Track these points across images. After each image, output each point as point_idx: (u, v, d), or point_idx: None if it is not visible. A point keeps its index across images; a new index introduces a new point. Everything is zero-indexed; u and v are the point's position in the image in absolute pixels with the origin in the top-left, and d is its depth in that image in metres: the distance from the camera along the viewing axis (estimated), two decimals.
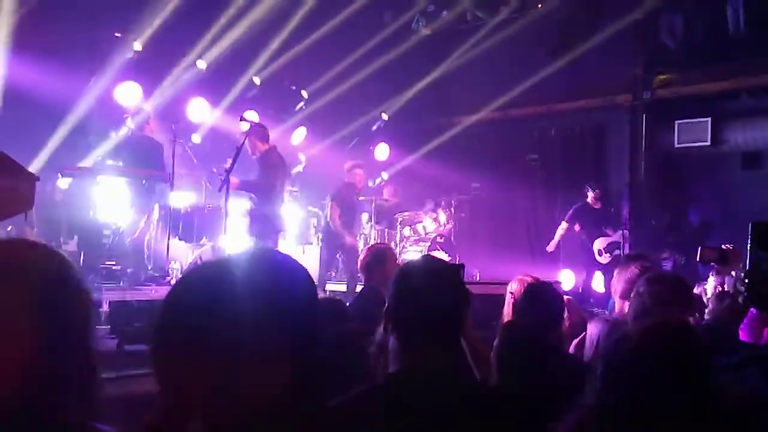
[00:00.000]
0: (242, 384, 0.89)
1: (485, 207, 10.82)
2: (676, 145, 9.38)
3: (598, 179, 10.01)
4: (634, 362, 1.39)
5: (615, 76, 9.78)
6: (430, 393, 1.51)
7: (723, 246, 2.90)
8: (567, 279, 8.95)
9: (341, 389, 1.48)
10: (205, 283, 0.94)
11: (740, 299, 1.44)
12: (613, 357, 1.44)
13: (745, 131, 9.00)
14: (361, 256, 4.37)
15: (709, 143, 9.07)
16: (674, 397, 1.36)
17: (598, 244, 9.03)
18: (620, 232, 9.02)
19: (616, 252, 8.92)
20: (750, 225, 1.40)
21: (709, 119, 9.08)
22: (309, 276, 1.01)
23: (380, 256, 4.19)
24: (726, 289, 3.09)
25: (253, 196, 6.58)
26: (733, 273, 2.96)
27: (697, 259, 3.15)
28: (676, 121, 9.37)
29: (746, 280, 1.37)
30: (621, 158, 10.00)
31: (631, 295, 3.07)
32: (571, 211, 9.14)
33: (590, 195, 9.12)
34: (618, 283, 3.54)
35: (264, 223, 6.38)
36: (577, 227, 9.10)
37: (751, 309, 2.82)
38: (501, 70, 10.30)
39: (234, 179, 5.75)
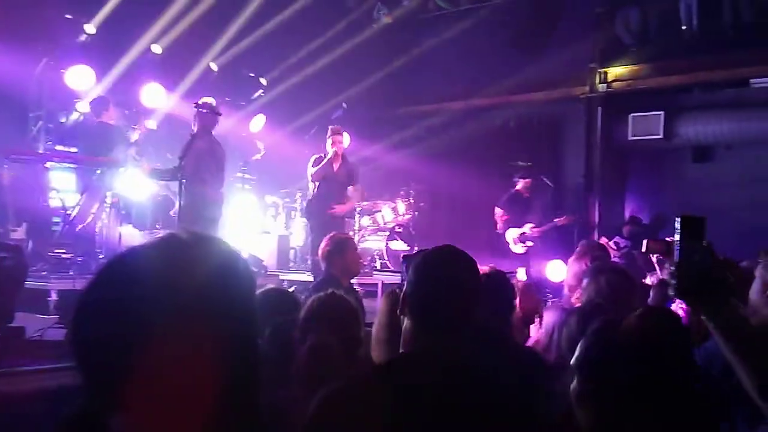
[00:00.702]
0: (168, 375, 0.86)
1: (445, 197, 10.88)
2: (630, 138, 9.57)
3: (555, 170, 10.15)
4: (627, 351, 1.41)
5: (572, 69, 9.91)
6: (440, 374, 1.58)
7: (668, 239, 3.01)
8: (557, 270, 8.33)
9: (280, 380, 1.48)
10: (134, 266, 0.90)
11: (669, 291, 1.46)
12: (603, 347, 1.46)
13: (697, 125, 9.22)
14: (322, 246, 4.39)
15: (661, 136, 9.27)
16: (668, 381, 1.41)
17: (512, 234, 8.99)
18: (532, 225, 8.88)
19: (529, 244, 8.90)
20: (677, 218, 1.42)
21: (662, 113, 9.28)
22: (247, 264, 0.99)
23: (341, 245, 4.25)
24: (666, 278, 3.18)
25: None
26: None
27: (643, 251, 3.25)
28: (630, 114, 9.56)
29: (677, 274, 1.39)
30: (577, 150, 10.16)
31: (582, 285, 3.13)
32: (504, 197, 9.18)
33: (521, 183, 9.13)
34: (571, 272, 3.63)
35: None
36: (501, 213, 9.03)
37: None
38: (462, 60, 10.34)
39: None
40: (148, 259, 0.90)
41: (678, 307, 2.93)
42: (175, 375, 0.86)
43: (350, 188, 7.70)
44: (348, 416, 1.51)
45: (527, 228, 8.95)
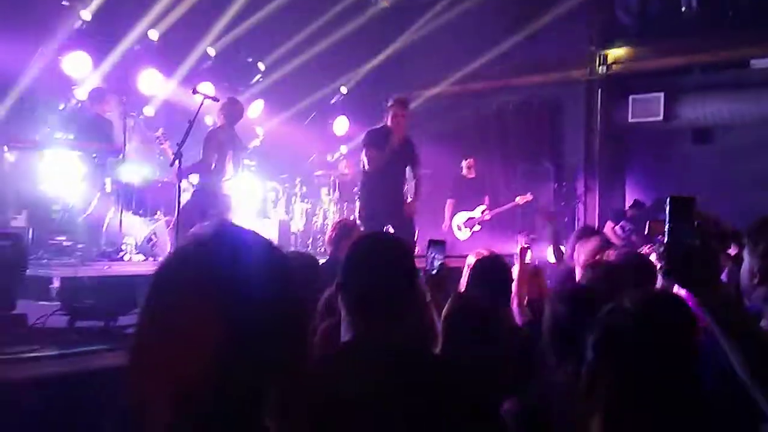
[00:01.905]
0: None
1: (444, 181, 10.85)
2: (630, 120, 9.54)
3: (554, 153, 10.13)
4: (636, 333, 1.42)
5: (571, 51, 9.86)
6: (378, 362, 1.59)
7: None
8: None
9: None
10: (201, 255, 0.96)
11: (660, 273, 1.47)
12: (610, 328, 1.46)
13: (696, 107, 9.19)
14: (329, 231, 4.56)
15: (661, 118, 9.24)
16: (674, 366, 1.42)
17: (459, 219, 8.76)
18: (484, 207, 8.66)
19: (476, 229, 8.60)
20: (668, 199, 1.43)
21: (662, 94, 9.24)
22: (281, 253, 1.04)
23: (347, 230, 4.33)
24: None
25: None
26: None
27: (646, 233, 3.29)
28: (630, 96, 9.52)
29: (665, 254, 1.39)
30: (577, 132, 10.14)
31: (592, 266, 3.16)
32: (451, 185, 9.00)
33: (463, 165, 9.02)
34: (580, 254, 3.71)
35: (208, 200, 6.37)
36: (448, 204, 8.80)
37: None
38: (460, 43, 10.28)
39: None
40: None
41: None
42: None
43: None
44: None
45: (478, 212, 8.74)
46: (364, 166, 6.05)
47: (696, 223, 1.41)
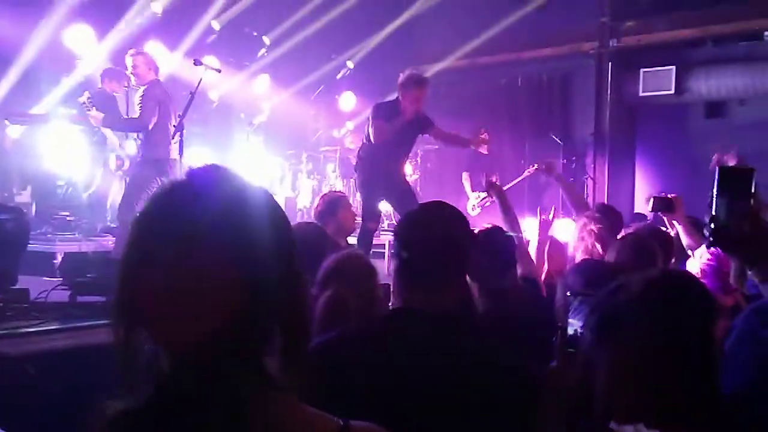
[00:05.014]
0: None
1: (452, 157, 10.76)
2: (641, 94, 9.39)
3: (564, 127, 9.99)
4: (638, 314, 1.25)
5: (581, 24, 9.69)
6: (427, 331, 1.61)
7: (669, 195, 3.06)
8: (566, 228, 8.05)
9: None
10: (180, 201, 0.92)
11: (705, 243, 1.41)
12: (612, 309, 1.30)
13: (709, 80, 9.03)
14: (315, 204, 4.42)
15: (673, 92, 9.09)
16: (681, 348, 1.23)
17: (473, 199, 8.64)
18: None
19: (487, 205, 8.59)
20: (717, 169, 1.37)
21: (674, 68, 9.08)
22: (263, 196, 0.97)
23: (334, 203, 4.24)
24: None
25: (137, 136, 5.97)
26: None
27: (650, 209, 3.26)
28: (641, 69, 9.36)
29: (712, 224, 1.34)
30: (587, 106, 9.99)
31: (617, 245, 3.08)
32: (466, 159, 8.96)
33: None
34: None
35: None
36: (465, 175, 8.81)
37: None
38: (468, 17, 10.11)
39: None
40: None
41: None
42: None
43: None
44: (331, 367, 1.52)
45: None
46: (368, 137, 5.88)
47: (750, 197, 1.35)
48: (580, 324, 1.54)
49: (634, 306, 1.26)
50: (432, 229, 1.71)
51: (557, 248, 3.44)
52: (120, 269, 0.92)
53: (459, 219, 1.78)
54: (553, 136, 9.45)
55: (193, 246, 0.87)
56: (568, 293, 1.73)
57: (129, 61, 5.73)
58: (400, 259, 1.70)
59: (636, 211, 8.92)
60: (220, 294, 0.87)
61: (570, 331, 1.59)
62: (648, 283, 1.29)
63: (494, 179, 4.34)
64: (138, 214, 0.94)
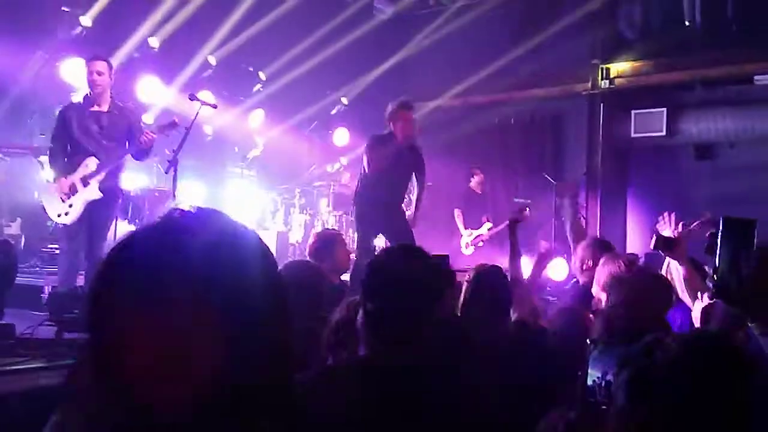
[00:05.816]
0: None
1: (443, 194, 10.77)
2: (632, 135, 9.48)
3: (556, 167, 10.05)
4: (677, 376, 1.22)
5: (574, 65, 9.82)
6: (396, 380, 1.53)
7: (673, 233, 2.99)
8: (559, 268, 7.73)
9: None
10: (154, 240, 0.90)
11: (708, 294, 1.38)
12: (647, 368, 1.26)
13: (700, 122, 9.13)
14: (310, 242, 4.36)
15: (664, 133, 9.18)
16: (710, 416, 1.20)
17: (466, 237, 8.79)
18: (490, 225, 8.62)
19: (480, 245, 8.57)
20: (721, 219, 1.35)
21: (665, 110, 9.19)
22: (264, 245, 0.94)
23: (330, 241, 4.20)
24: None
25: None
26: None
27: (652, 247, 3.19)
28: (633, 111, 9.46)
29: (715, 276, 1.31)
30: (579, 147, 10.07)
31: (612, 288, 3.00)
32: (459, 197, 9.02)
33: (473, 180, 9.01)
34: (602, 274, 3.47)
35: None
36: (457, 212, 8.87)
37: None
38: (462, 56, 10.24)
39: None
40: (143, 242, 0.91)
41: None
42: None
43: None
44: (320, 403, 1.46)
45: (485, 229, 8.77)
46: (364, 170, 5.85)
47: (756, 247, 1.33)
48: (598, 374, 1.50)
49: (672, 367, 1.22)
50: (398, 279, 1.61)
51: (525, 291, 3.37)
52: (95, 321, 0.88)
53: (427, 267, 1.68)
54: (546, 176, 9.49)
55: (176, 303, 0.83)
56: (588, 340, 1.69)
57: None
58: (365, 311, 1.62)
59: (628, 250, 8.92)
60: (207, 351, 0.83)
61: (589, 381, 1.54)
62: (686, 345, 1.26)
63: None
64: (105, 258, 0.89)
